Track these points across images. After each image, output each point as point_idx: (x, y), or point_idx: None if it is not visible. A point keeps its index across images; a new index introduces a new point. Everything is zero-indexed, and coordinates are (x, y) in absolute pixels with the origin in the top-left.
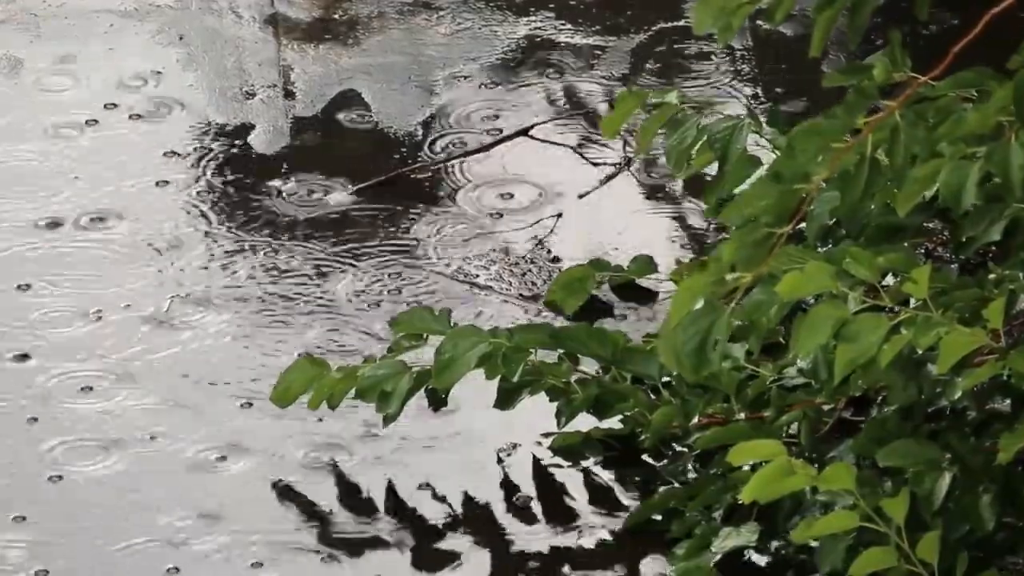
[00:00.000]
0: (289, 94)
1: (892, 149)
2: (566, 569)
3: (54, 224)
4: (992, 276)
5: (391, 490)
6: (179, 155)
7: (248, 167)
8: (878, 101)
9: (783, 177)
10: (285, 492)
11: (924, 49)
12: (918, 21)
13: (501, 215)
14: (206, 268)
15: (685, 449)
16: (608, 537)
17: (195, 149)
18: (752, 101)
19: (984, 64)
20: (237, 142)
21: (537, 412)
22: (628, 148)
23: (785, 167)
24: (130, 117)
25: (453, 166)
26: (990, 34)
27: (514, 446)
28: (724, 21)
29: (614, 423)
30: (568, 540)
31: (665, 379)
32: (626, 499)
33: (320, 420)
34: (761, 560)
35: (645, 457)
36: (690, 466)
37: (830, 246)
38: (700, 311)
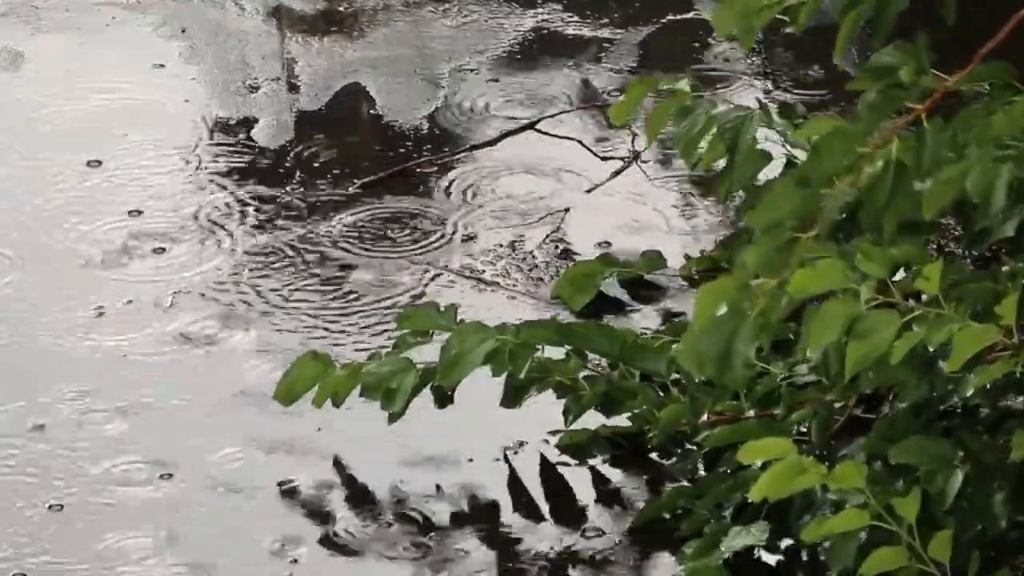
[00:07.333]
0: (293, 87)
1: (919, 153)
2: (573, 568)
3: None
4: (1005, 271)
5: (396, 488)
6: (182, 149)
7: (252, 161)
8: (904, 103)
9: (808, 181)
10: (287, 491)
11: (944, 44)
12: (940, 19)
13: (508, 209)
14: (207, 264)
15: (694, 447)
16: (616, 536)
17: (198, 143)
18: (763, 94)
19: (1008, 64)
20: (241, 136)
21: (544, 409)
22: (637, 142)
23: (810, 171)
24: (132, 112)
25: (459, 160)
26: (1017, 33)
27: (521, 444)
28: (745, 24)
29: (622, 420)
30: (575, 539)
31: (674, 376)
32: (634, 497)
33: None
34: (771, 559)
35: (653, 455)
36: (699, 464)
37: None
38: (724, 316)
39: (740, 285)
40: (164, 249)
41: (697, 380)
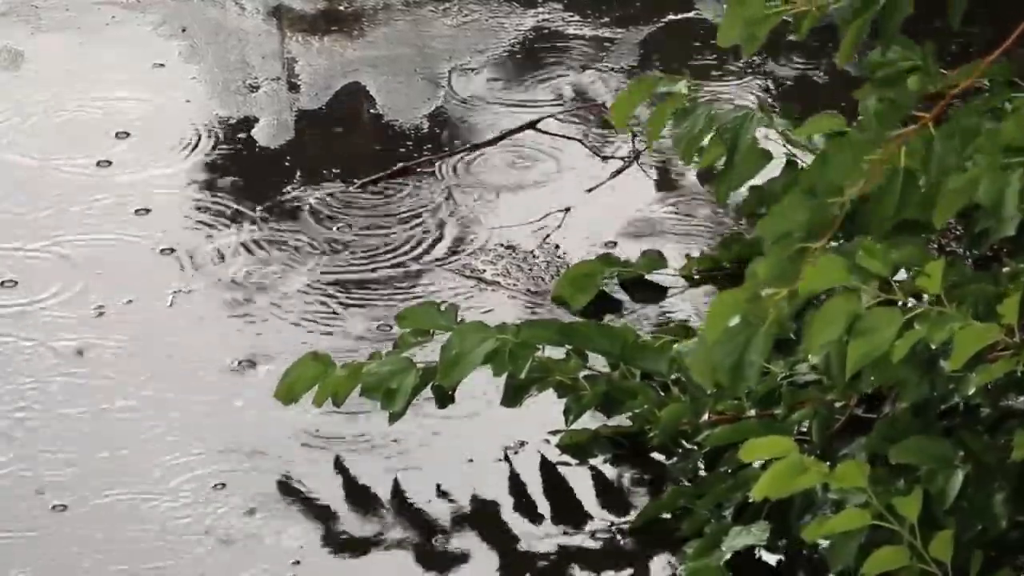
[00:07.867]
0: (293, 87)
1: (927, 161)
2: (574, 568)
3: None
4: (1007, 271)
5: (397, 488)
6: (182, 149)
7: (252, 160)
8: (911, 111)
9: (817, 191)
10: (288, 491)
11: (944, 44)
12: (947, 27)
13: (508, 209)
14: (208, 263)
15: (695, 447)
16: (617, 536)
17: (198, 143)
18: (763, 93)
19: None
20: (241, 135)
21: (544, 409)
22: (637, 142)
23: (818, 180)
24: (132, 112)
25: (459, 159)
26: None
27: (521, 444)
28: (749, 33)
29: (623, 420)
30: (576, 539)
31: (674, 376)
32: (635, 497)
33: (324, 415)
34: (772, 559)
35: (654, 455)
36: (700, 464)
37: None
38: (737, 328)
39: (751, 296)
40: (166, 248)
41: (709, 392)
